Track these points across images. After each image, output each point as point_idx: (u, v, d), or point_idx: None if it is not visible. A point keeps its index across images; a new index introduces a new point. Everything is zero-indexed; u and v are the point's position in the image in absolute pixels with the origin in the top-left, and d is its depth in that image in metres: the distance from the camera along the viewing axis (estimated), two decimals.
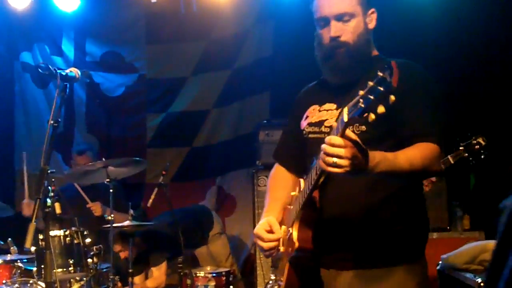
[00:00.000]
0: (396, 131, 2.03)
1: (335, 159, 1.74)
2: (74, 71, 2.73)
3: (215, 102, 5.93)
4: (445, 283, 3.62)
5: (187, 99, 5.99)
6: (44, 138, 2.59)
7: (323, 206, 2.09)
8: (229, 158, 5.88)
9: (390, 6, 3.68)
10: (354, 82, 2.07)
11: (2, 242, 4.44)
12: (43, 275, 3.64)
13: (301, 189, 2.13)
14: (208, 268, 4.77)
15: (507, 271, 1.30)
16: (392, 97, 1.59)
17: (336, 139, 1.74)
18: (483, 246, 3.36)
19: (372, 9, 2.21)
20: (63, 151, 5.69)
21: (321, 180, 1.96)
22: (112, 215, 4.11)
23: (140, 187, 5.81)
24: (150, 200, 4.54)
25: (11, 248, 4.39)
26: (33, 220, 2.47)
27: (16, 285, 3.87)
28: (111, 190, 4.19)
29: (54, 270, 3.76)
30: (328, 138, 1.76)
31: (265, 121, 5.17)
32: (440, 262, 3.64)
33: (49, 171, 2.61)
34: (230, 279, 4.71)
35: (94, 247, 3.97)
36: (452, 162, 3.76)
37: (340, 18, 2.15)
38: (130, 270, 4.25)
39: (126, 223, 4.22)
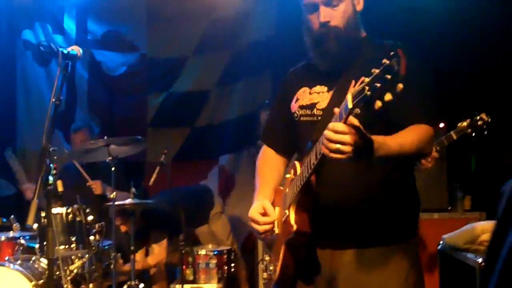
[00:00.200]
0: (389, 114, 2.04)
1: (338, 145, 1.75)
2: (76, 49, 2.71)
3: (216, 82, 5.89)
4: (446, 263, 3.64)
5: (188, 79, 5.95)
6: (45, 116, 2.58)
7: (319, 189, 2.10)
8: (231, 138, 5.87)
9: None
10: (344, 66, 2.11)
11: (4, 219, 4.46)
12: (45, 252, 3.67)
13: (298, 173, 2.13)
14: (210, 246, 4.80)
15: (505, 251, 1.32)
16: (400, 85, 1.60)
17: (339, 125, 1.76)
18: (484, 227, 3.36)
19: None
20: (64, 129, 5.69)
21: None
22: (114, 193, 4.14)
23: (141, 166, 5.82)
24: (152, 179, 4.56)
25: (14, 225, 4.40)
26: (35, 198, 2.48)
27: (19, 261, 3.89)
28: (112, 169, 4.21)
29: (56, 247, 3.79)
30: (331, 125, 1.78)
31: (267, 101, 5.14)
32: (441, 242, 3.66)
33: (51, 149, 2.61)
34: (232, 257, 4.75)
35: (96, 225, 3.98)
36: (454, 138, 3.71)
37: (328, 3, 2.14)
38: (132, 248, 4.29)
39: (128, 201, 4.25)
